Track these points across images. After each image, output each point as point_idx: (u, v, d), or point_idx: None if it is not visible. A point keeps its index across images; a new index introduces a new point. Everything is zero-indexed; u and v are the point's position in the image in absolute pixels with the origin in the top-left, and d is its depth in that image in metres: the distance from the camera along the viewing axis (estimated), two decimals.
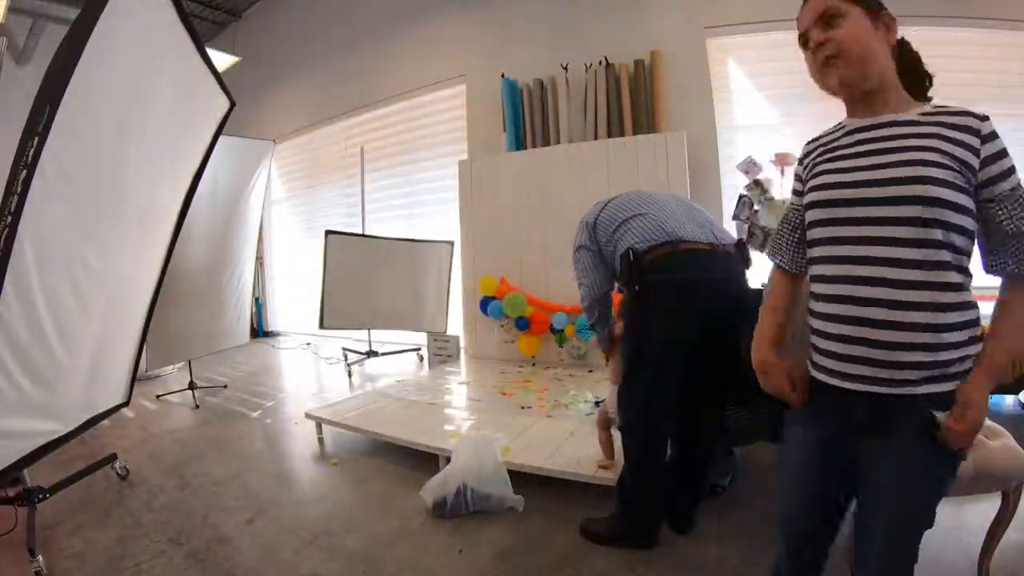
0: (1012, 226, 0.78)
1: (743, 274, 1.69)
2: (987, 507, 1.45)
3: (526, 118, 4.27)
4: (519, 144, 4.30)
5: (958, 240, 0.79)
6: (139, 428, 3.16)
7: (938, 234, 0.77)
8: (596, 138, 3.93)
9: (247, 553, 1.74)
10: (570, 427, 2.39)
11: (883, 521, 0.85)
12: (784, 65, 3.61)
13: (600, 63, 3.94)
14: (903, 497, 0.83)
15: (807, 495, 0.96)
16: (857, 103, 0.89)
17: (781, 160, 2.98)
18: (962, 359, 0.80)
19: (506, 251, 4.09)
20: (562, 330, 3.79)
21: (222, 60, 5.95)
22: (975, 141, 0.79)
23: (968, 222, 0.79)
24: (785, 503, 1.01)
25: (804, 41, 0.89)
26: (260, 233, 4.35)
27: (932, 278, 0.78)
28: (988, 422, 1.45)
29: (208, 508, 2.06)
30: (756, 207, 2.93)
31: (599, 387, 2.98)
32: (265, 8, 6.60)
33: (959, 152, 0.78)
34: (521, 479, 2.00)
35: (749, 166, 2.98)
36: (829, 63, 0.85)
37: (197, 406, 3.53)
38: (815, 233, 0.90)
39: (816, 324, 0.90)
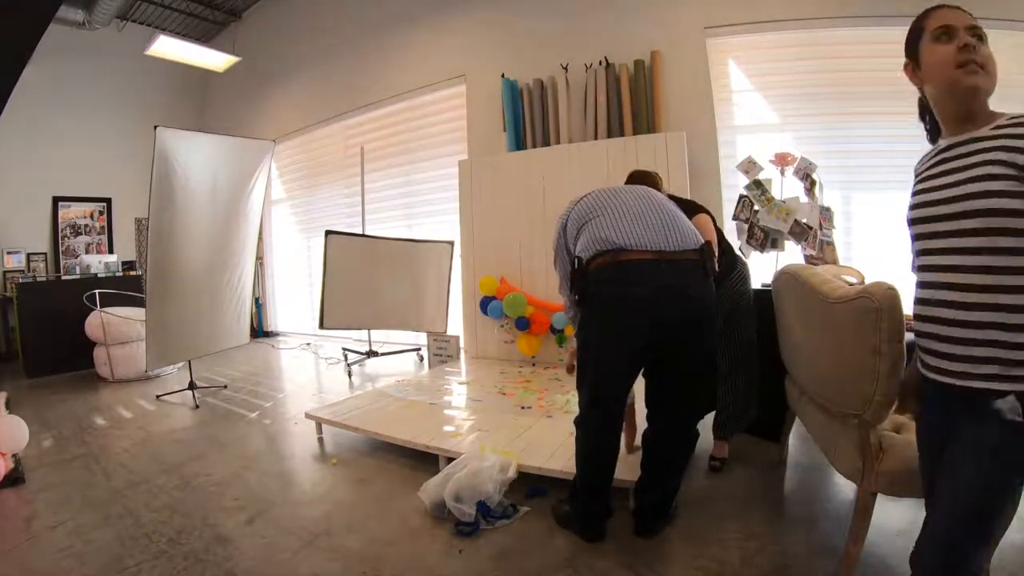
0: None
1: (697, 283, 1.58)
2: None
3: (526, 118, 4.27)
4: (519, 144, 4.30)
5: None
6: (139, 428, 3.16)
7: (1008, 242, 0.83)
8: (596, 138, 3.93)
9: (247, 553, 1.73)
10: (570, 427, 2.37)
11: (939, 502, 0.96)
12: (784, 65, 3.61)
13: (600, 63, 3.94)
14: (961, 485, 0.91)
15: (922, 465, 1.08)
16: (954, 120, 0.96)
17: (781, 160, 2.98)
18: None
19: (506, 251, 4.09)
20: (562, 330, 3.79)
21: (222, 60, 5.97)
22: None
23: None
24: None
25: (945, 35, 0.93)
26: (260, 233, 4.35)
27: (1002, 282, 0.84)
28: None
29: (208, 508, 2.06)
30: (756, 207, 2.93)
31: None
32: (265, 8, 6.60)
33: (1019, 158, 0.82)
34: (521, 479, 2.01)
35: (749, 166, 2.98)
36: (975, 68, 0.90)
37: (197, 406, 3.53)
38: (916, 246, 1.00)
39: (915, 325, 1.01)
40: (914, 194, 1.01)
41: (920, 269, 0.99)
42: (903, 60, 1.05)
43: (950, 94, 0.94)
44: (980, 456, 0.88)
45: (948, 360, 0.91)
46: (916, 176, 1.04)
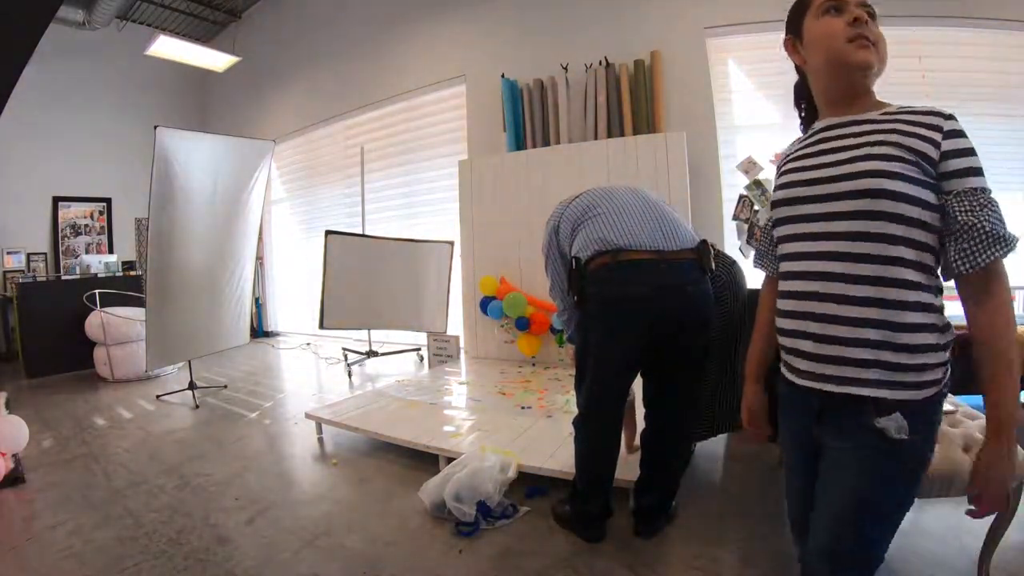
0: (964, 218, 0.74)
1: (696, 282, 1.58)
2: None
3: (526, 118, 4.27)
4: (519, 144, 4.30)
5: (920, 235, 0.76)
6: (139, 428, 3.16)
7: (890, 228, 0.76)
8: (596, 138, 3.93)
9: (247, 553, 1.73)
10: (570, 427, 2.37)
11: (825, 510, 0.86)
12: (784, 65, 3.59)
13: (600, 63, 3.94)
14: (842, 490, 0.83)
15: (792, 485, 1.00)
16: (838, 100, 0.89)
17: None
18: (922, 367, 0.76)
19: (506, 251, 4.09)
20: (562, 330, 3.79)
21: (222, 60, 5.97)
22: (936, 135, 0.76)
23: (931, 216, 0.77)
24: (786, 481, 1.04)
25: (834, 8, 0.85)
26: (260, 233, 4.35)
27: (882, 273, 0.76)
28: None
29: (208, 508, 2.06)
30: (756, 207, 2.93)
31: None
32: (265, 8, 6.60)
33: (916, 144, 0.76)
34: (521, 479, 2.01)
35: (749, 166, 2.98)
36: (865, 42, 0.82)
37: (197, 406, 3.53)
38: (779, 231, 0.91)
39: (778, 322, 0.91)
40: (781, 175, 0.92)
41: (783, 259, 0.90)
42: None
43: (837, 70, 0.85)
44: (856, 474, 0.81)
45: (823, 363, 0.81)
46: (784, 159, 0.95)
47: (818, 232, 0.82)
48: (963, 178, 0.75)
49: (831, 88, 0.89)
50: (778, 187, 0.92)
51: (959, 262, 0.75)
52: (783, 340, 0.90)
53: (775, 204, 0.91)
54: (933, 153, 0.76)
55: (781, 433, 1.01)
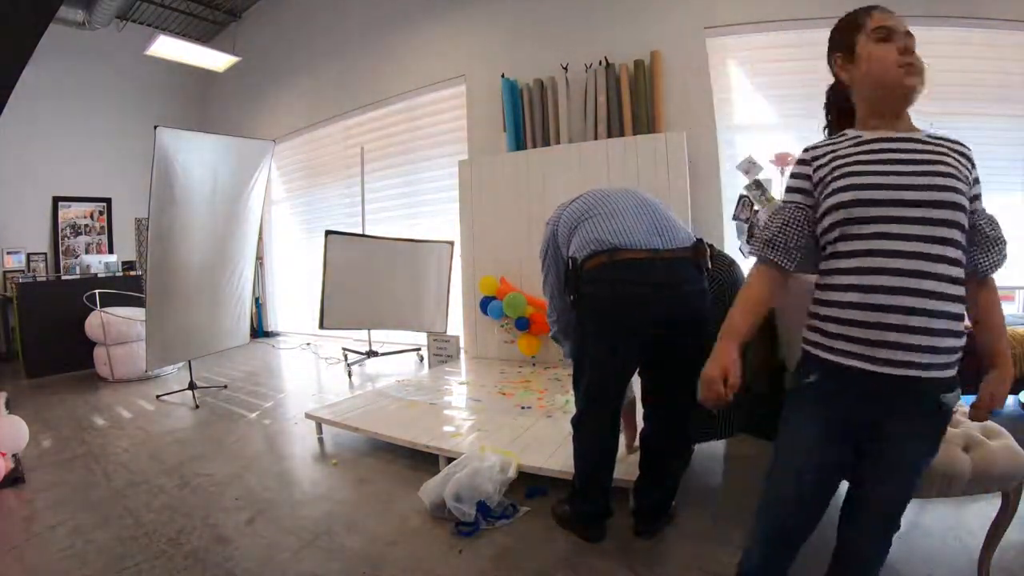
0: (993, 233, 0.98)
1: (693, 279, 1.59)
2: (987, 507, 1.45)
3: (526, 118, 4.27)
4: (519, 144, 4.30)
5: (963, 240, 0.93)
6: (139, 428, 3.16)
7: (953, 234, 0.90)
8: (596, 138, 3.93)
9: (247, 553, 1.74)
10: (570, 427, 2.38)
11: (884, 493, 1.01)
12: (784, 65, 3.60)
13: (600, 63, 3.94)
14: (906, 471, 0.99)
15: (813, 471, 1.01)
16: (887, 115, 1.00)
17: (781, 160, 2.98)
18: (959, 349, 0.92)
19: (506, 251, 4.09)
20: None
21: (222, 60, 5.97)
22: (970, 165, 0.97)
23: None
24: (782, 484, 1.06)
25: (886, 36, 0.98)
26: (260, 233, 4.35)
27: (952, 272, 0.90)
28: (988, 422, 1.45)
29: (208, 508, 2.06)
30: (756, 207, 2.93)
31: None
32: (265, 8, 6.60)
33: (964, 171, 0.94)
34: (521, 479, 2.01)
35: (749, 166, 2.98)
36: (916, 71, 0.96)
37: (197, 406, 3.53)
38: (848, 230, 0.94)
39: (835, 312, 0.95)
40: (844, 176, 0.95)
41: (846, 255, 0.94)
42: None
43: (891, 92, 0.97)
44: (923, 444, 0.98)
45: (916, 352, 0.88)
46: (832, 157, 0.99)
47: (910, 234, 0.89)
48: (981, 200, 0.98)
49: (883, 106, 1.00)
50: (843, 188, 0.95)
51: (990, 267, 0.99)
52: (852, 331, 0.93)
53: (843, 205, 0.94)
54: (971, 179, 0.96)
55: (791, 433, 1.03)
